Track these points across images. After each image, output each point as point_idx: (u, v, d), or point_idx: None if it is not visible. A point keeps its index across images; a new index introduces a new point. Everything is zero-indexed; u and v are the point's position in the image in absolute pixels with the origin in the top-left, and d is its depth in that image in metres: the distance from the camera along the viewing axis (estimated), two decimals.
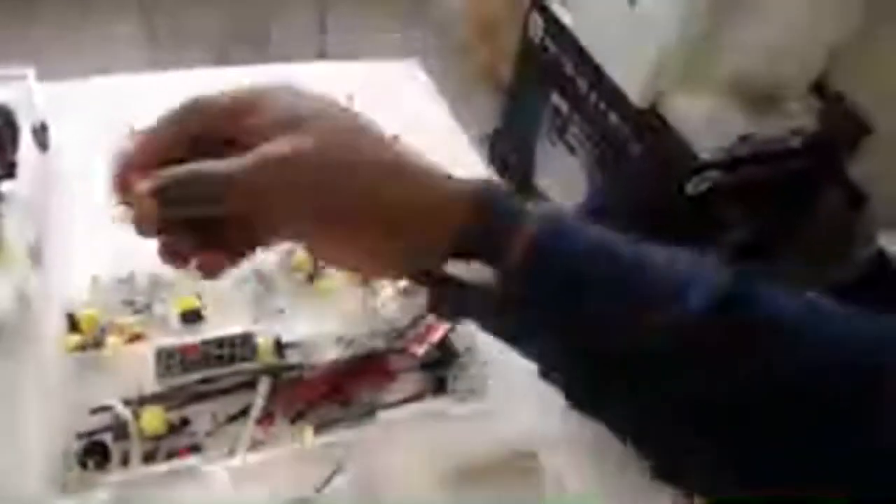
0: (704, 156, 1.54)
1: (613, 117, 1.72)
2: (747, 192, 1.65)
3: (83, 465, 0.65)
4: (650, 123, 1.60)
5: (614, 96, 1.67)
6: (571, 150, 1.92)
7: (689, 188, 1.61)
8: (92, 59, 1.10)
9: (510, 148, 2.18)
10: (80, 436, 0.67)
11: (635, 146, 1.67)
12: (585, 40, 1.73)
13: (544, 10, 1.87)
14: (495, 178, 1.10)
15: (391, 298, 0.85)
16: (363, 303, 0.84)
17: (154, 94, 1.04)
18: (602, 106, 1.75)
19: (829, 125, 1.64)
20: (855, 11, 1.51)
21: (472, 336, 0.82)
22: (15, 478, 0.63)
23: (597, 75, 1.71)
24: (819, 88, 1.69)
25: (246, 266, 0.84)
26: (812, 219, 1.74)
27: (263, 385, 0.73)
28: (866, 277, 1.54)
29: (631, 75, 1.61)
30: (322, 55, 2.28)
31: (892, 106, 1.57)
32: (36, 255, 0.81)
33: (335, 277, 0.86)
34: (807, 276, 1.57)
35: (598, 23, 1.68)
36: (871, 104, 1.63)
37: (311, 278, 0.85)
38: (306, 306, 0.83)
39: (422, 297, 0.86)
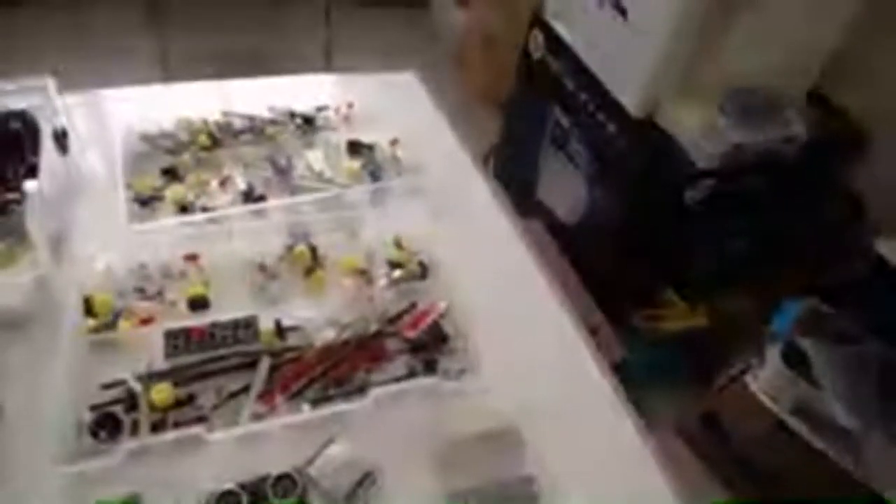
0: (701, 164, 1.57)
1: (612, 128, 1.77)
2: (745, 201, 1.69)
3: (94, 435, 0.71)
4: (648, 133, 1.65)
5: (613, 108, 1.72)
6: (573, 162, 1.97)
7: (687, 197, 1.65)
8: (106, 75, 1.18)
9: (511, 162, 2.23)
10: (92, 408, 0.73)
11: (634, 157, 1.72)
12: (583, 54, 1.79)
13: (545, 27, 1.93)
14: (496, 191, 1.14)
15: (385, 288, 0.90)
16: (359, 291, 0.89)
17: (164, 104, 1.12)
18: (601, 118, 1.80)
19: (825, 134, 1.68)
20: (850, 20, 1.54)
21: (462, 321, 0.87)
22: (34, 446, 0.68)
23: (596, 88, 1.76)
24: (814, 97, 1.72)
25: (250, 257, 0.90)
26: (810, 227, 1.77)
27: (264, 364, 0.78)
28: (865, 285, 1.56)
29: (627, 87, 1.67)
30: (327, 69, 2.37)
31: (889, 114, 1.61)
32: (56, 247, 0.88)
33: (333, 268, 0.92)
34: (805, 284, 1.60)
35: (594, 36, 1.74)
36: (868, 113, 1.66)
37: (311, 269, 0.91)
38: (306, 294, 0.89)
39: (414, 286, 0.91)
